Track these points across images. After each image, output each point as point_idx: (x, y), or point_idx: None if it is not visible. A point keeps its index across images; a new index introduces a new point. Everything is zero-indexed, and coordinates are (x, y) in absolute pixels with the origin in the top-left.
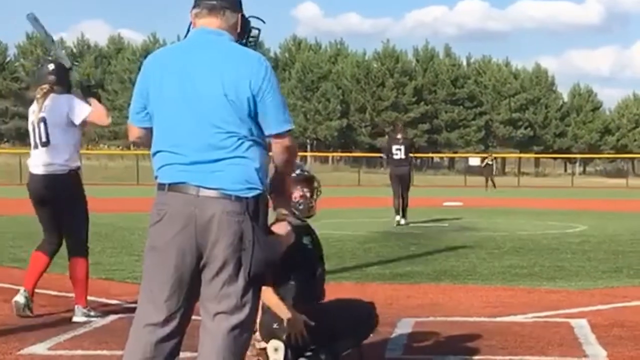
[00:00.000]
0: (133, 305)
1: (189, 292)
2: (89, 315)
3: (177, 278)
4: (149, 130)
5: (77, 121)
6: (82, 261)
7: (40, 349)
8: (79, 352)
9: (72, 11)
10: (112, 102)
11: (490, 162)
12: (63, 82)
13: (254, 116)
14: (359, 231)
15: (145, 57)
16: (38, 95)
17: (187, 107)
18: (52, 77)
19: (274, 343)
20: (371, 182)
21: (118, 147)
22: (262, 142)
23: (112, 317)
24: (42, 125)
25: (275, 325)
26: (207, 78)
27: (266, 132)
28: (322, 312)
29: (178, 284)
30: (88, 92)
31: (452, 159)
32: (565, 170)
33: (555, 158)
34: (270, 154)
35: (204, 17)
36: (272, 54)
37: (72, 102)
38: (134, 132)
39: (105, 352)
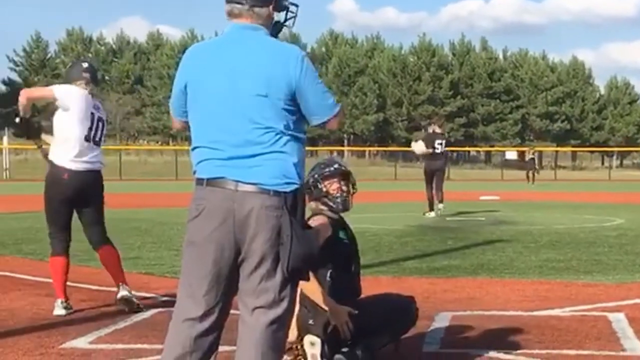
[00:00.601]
0: (173, 299)
1: (227, 286)
2: (130, 293)
3: (215, 273)
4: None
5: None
6: (112, 247)
7: (81, 343)
8: (120, 346)
9: (111, 8)
10: (151, 98)
11: (532, 156)
12: (96, 82)
13: (291, 111)
14: (395, 225)
15: (184, 52)
16: (88, 91)
17: (224, 102)
18: (87, 75)
19: (310, 337)
20: (408, 177)
21: (157, 142)
22: (299, 137)
23: (153, 311)
24: (100, 124)
25: (310, 322)
26: (244, 74)
27: (313, 123)
28: (360, 308)
29: (216, 278)
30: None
31: (488, 153)
32: (603, 163)
33: (592, 151)
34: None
35: (236, 17)
36: (308, 49)
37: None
38: (177, 124)
39: (145, 345)
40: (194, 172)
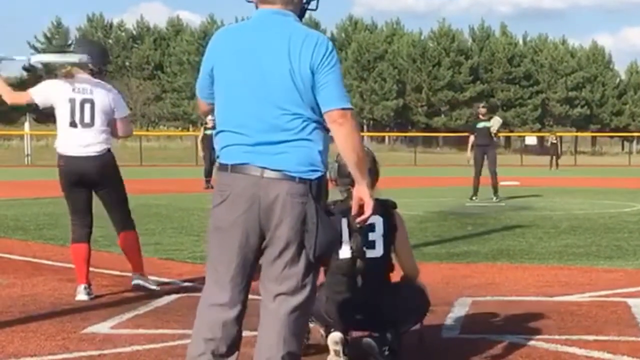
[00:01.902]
0: (193, 284)
1: (251, 272)
2: (147, 282)
3: (241, 258)
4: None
5: (117, 116)
6: (133, 233)
7: (103, 328)
8: (141, 330)
9: None
10: (172, 84)
11: (554, 141)
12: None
13: (315, 96)
14: (415, 211)
15: (204, 38)
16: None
17: (252, 87)
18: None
19: (335, 336)
20: (427, 162)
21: (177, 128)
22: (324, 125)
23: (173, 296)
24: (86, 106)
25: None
26: (272, 59)
27: (324, 110)
28: (393, 291)
29: (242, 263)
30: None
31: (508, 138)
32: (623, 148)
33: (612, 136)
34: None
35: (267, 3)
36: (328, 34)
37: (118, 99)
38: (203, 107)
39: (166, 331)
40: (217, 157)
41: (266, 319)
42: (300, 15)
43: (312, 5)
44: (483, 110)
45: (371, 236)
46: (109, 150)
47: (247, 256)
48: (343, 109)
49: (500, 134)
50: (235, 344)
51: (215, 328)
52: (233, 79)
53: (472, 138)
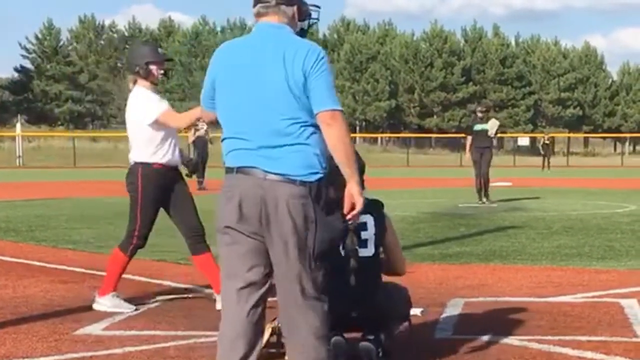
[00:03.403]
0: (186, 286)
1: (264, 266)
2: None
3: (253, 253)
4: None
5: (147, 121)
6: (115, 252)
7: (95, 329)
8: (133, 332)
9: None
10: (163, 85)
11: (547, 142)
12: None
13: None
14: (408, 212)
15: (196, 39)
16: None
17: (252, 95)
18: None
19: (335, 340)
20: (420, 163)
21: None
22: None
23: (165, 298)
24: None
25: None
26: (269, 68)
27: (315, 111)
28: (385, 292)
29: (254, 257)
30: None
31: (500, 139)
32: (615, 149)
33: (604, 137)
34: None
35: (263, 16)
36: (320, 35)
37: (145, 99)
38: (209, 115)
39: (158, 332)
40: (224, 162)
41: (286, 319)
42: (302, 35)
43: (314, 27)
44: (480, 113)
45: (363, 235)
46: (135, 164)
47: (257, 251)
48: (332, 110)
49: (498, 135)
50: (257, 335)
51: (238, 323)
52: (234, 89)
53: (469, 139)
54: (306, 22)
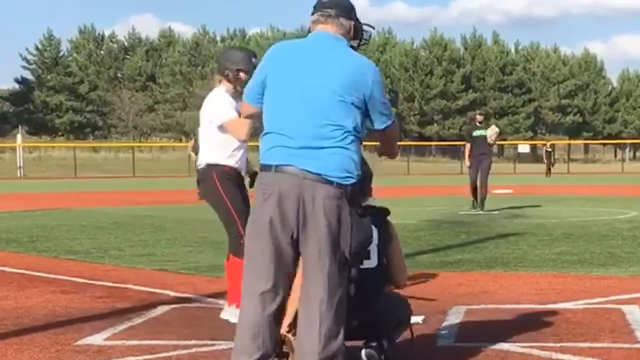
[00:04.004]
0: (187, 295)
1: (288, 266)
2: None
3: (279, 252)
4: (260, 111)
5: (215, 123)
6: (233, 260)
7: (97, 339)
8: (135, 342)
9: (123, 6)
10: (164, 95)
11: (549, 150)
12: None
13: (361, 115)
14: (409, 220)
15: (196, 49)
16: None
17: (302, 97)
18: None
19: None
20: (421, 171)
21: (170, 139)
22: (361, 137)
23: (167, 307)
24: None
25: None
26: (324, 75)
27: (376, 127)
28: (385, 303)
29: (279, 257)
30: None
31: (501, 147)
32: (616, 156)
33: (605, 144)
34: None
35: (322, 24)
36: None
37: (220, 102)
38: (248, 109)
39: (160, 342)
40: (260, 160)
41: (306, 315)
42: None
43: (364, 47)
44: (480, 118)
45: None
46: (206, 166)
47: (284, 251)
48: (392, 125)
49: (498, 142)
50: (275, 335)
51: (257, 318)
52: (286, 88)
53: (468, 147)
54: (357, 42)
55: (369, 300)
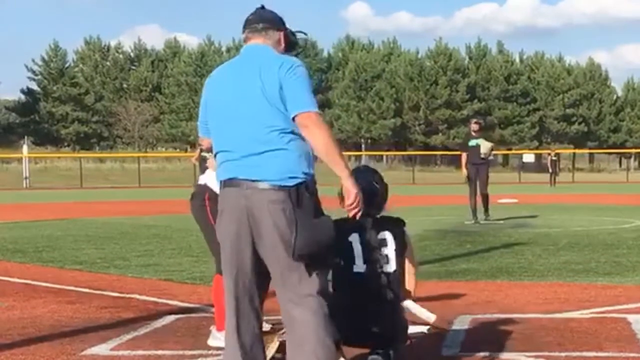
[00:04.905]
0: (192, 305)
1: (254, 278)
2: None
3: (237, 267)
4: None
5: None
6: (218, 279)
7: (102, 349)
8: (140, 352)
9: (128, 16)
10: (169, 105)
11: (554, 158)
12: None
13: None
14: (414, 229)
15: (202, 59)
16: None
17: (232, 109)
18: None
19: None
20: (425, 181)
21: (175, 149)
22: (301, 135)
23: (172, 317)
24: None
25: None
26: (247, 81)
27: (291, 115)
28: (393, 308)
29: (241, 272)
30: None
31: (506, 156)
32: (620, 165)
33: (609, 153)
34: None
35: (251, 39)
36: (325, 54)
37: None
38: (204, 142)
39: (165, 352)
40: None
41: (286, 320)
42: (288, 49)
43: (301, 48)
44: (475, 127)
45: (384, 251)
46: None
47: (245, 265)
48: (307, 111)
49: (498, 152)
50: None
51: (232, 330)
52: (218, 107)
53: (464, 156)
54: (290, 50)
55: (384, 305)
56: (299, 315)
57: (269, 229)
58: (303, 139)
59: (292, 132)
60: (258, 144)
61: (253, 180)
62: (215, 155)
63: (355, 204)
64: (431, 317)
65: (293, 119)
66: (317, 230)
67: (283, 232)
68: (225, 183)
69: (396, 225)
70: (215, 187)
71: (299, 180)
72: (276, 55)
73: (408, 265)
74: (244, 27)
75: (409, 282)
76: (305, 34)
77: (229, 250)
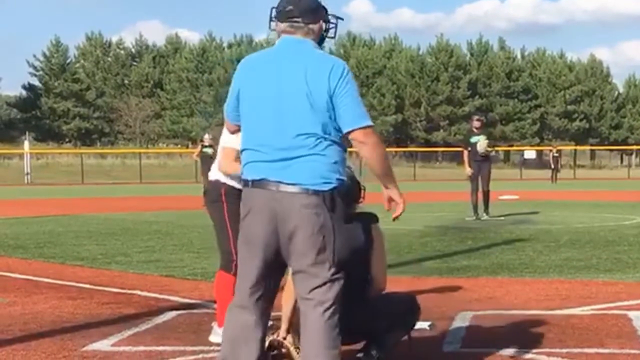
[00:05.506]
0: (194, 301)
1: (273, 279)
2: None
3: (263, 267)
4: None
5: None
6: (222, 275)
7: (103, 345)
8: (141, 348)
9: (130, 12)
10: (171, 101)
11: (556, 155)
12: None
13: (331, 117)
14: (415, 226)
15: (203, 55)
16: None
17: (271, 107)
18: None
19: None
20: (427, 177)
21: (177, 145)
22: (339, 142)
23: (174, 313)
24: None
25: None
26: (291, 83)
27: (345, 130)
28: (368, 307)
29: (264, 272)
30: None
31: (507, 152)
32: (622, 162)
33: (611, 150)
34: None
35: (290, 34)
36: (327, 50)
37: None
38: (231, 128)
39: (167, 348)
40: (242, 174)
41: (305, 327)
42: (320, 42)
43: (331, 33)
44: (477, 124)
45: None
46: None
47: (269, 265)
48: (364, 127)
49: (500, 149)
50: (257, 347)
51: (238, 329)
52: (255, 102)
53: (466, 153)
54: (324, 32)
55: (352, 303)
56: (312, 320)
57: (299, 233)
58: (340, 144)
59: (329, 139)
60: (294, 148)
61: (285, 183)
62: (242, 152)
63: (401, 212)
64: None
65: (348, 133)
66: (351, 235)
67: (315, 237)
68: (254, 183)
69: (365, 222)
70: (231, 183)
71: (333, 185)
72: (322, 55)
73: (376, 261)
74: (279, 18)
75: (377, 280)
76: (341, 19)
77: (256, 249)
